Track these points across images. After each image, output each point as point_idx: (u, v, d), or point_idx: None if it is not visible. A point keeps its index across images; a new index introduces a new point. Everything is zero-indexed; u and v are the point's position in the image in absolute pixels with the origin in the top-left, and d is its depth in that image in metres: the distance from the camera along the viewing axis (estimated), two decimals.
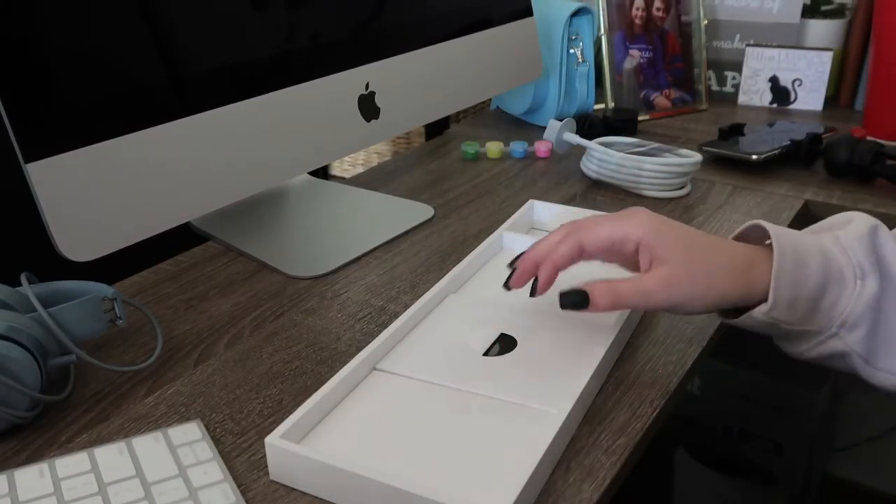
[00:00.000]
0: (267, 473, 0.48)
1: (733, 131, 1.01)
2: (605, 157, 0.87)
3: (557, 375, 0.54)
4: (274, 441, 0.46)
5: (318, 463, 0.45)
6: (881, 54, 1.04)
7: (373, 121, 0.78)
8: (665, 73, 1.17)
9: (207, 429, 0.51)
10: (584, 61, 1.06)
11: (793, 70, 1.16)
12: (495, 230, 0.73)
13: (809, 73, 1.15)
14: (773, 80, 1.18)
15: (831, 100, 1.18)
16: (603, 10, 1.13)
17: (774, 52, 1.17)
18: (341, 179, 0.95)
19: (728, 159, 0.94)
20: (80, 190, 0.54)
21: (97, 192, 0.55)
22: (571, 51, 1.05)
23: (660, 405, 0.53)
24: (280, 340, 0.61)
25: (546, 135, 0.94)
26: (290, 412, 0.49)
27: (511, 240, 0.72)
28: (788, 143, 0.94)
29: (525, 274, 0.56)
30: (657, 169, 0.85)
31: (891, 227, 0.54)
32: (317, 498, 0.46)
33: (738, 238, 0.57)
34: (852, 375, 0.54)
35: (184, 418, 0.53)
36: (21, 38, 0.51)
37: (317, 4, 0.71)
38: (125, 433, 0.51)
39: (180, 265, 0.74)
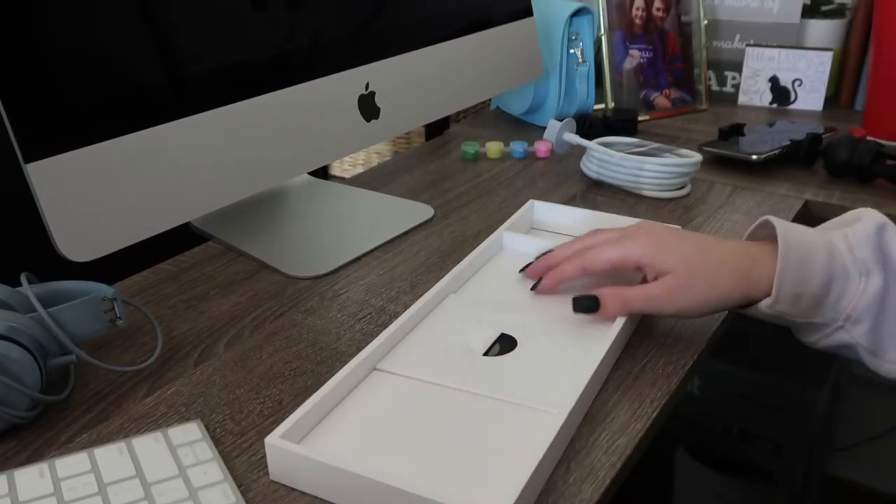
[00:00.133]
0: (267, 473, 0.48)
1: (733, 131, 1.01)
2: (605, 157, 0.87)
3: (557, 375, 0.54)
4: (274, 441, 0.46)
5: (318, 463, 0.45)
6: (881, 54, 1.04)
7: (373, 121, 0.78)
8: (665, 73, 1.17)
9: (207, 429, 0.51)
10: (584, 61, 1.06)
11: (793, 70, 1.16)
12: (495, 230, 0.73)
13: (809, 73, 1.15)
14: (773, 80, 1.18)
15: (831, 100, 1.18)
16: (603, 10, 1.13)
17: (774, 52, 1.17)
18: (341, 179, 0.95)
19: (728, 159, 0.94)
20: (80, 190, 0.54)
21: (97, 192, 0.55)
22: (571, 51, 1.05)
23: (660, 405, 0.53)
24: (280, 340, 0.61)
25: (546, 135, 0.94)
26: (290, 412, 0.49)
27: (511, 240, 0.72)
28: (788, 143, 0.94)
29: (536, 272, 0.64)
30: (657, 169, 0.85)
31: None
32: (317, 498, 0.46)
33: (752, 233, 0.60)
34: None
35: (184, 418, 0.53)
36: (21, 38, 0.51)
37: (317, 4, 0.71)
38: (125, 433, 0.51)
39: (180, 265, 0.74)
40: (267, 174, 0.68)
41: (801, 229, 0.55)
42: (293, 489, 0.47)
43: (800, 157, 0.94)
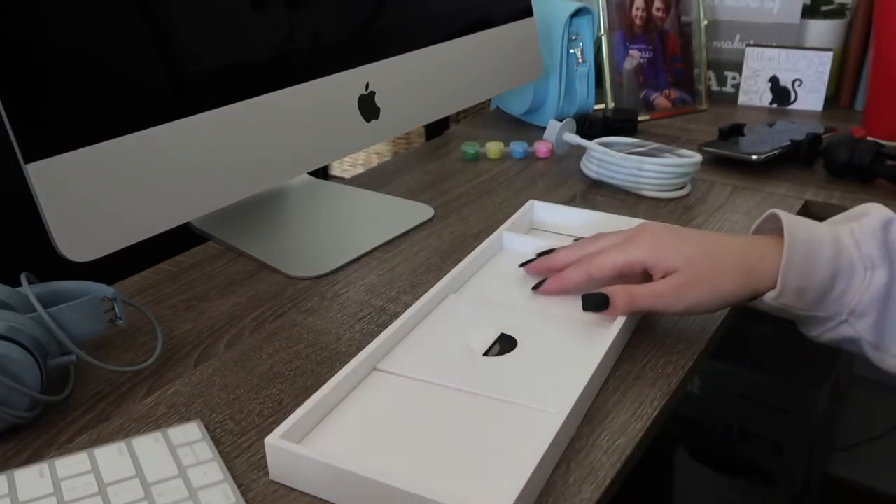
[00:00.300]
0: (267, 474, 0.48)
1: (733, 131, 1.01)
2: (605, 158, 0.87)
3: (557, 375, 0.54)
4: (274, 441, 0.46)
5: (317, 463, 0.45)
6: (881, 54, 1.04)
7: (373, 121, 0.78)
8: (665, 74, 1.17)
9: (207, 429, 0.51)
10: (584, 61, 1.06)
11: (793, 70, 1.16)
12: (495, 230, 0.73)
13: (809, 74, 1.15)
14: (773, 81, 1.18)
15: (831, 100, 1.18)
16: (603, 10, 1.13)
17: (774, 52, 1.17)
18: (341, 179, 0.95)
19: (728, 159, 0.94)
20: (80, 190, 0.54)
21: (97, 193, 0.55)
22: (571, 51, 1.05)
23: (660, 405, 0.53)
24: (280, 341, 0.61)
25: (546, 135, 0.94)
26: (290, 412, 0.49)
27: (511, 240, 0.72)
28: (788, 143, 0.94)
29: (537, 271, 0.65)
30: (657, 169, 0.85)
31: None
32: (317, 498, 0.46)
33: (759, 226, 0.61)
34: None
35: (184, 418, 0.53)
36: (21, 38, 0.51)
37: (317, 4, 0.71)
38: (125, 433, 0.51)
39: (180, 265, 0.74)
40: (267, 174, 0.68)
41: (807, 223, 0.56)
42: (293, 489, 0.47)
43: (800, 158, 0.94)
